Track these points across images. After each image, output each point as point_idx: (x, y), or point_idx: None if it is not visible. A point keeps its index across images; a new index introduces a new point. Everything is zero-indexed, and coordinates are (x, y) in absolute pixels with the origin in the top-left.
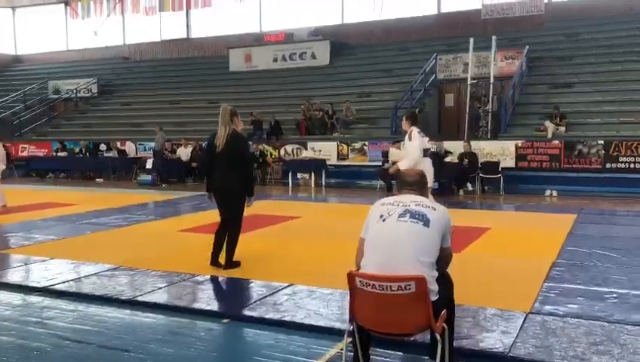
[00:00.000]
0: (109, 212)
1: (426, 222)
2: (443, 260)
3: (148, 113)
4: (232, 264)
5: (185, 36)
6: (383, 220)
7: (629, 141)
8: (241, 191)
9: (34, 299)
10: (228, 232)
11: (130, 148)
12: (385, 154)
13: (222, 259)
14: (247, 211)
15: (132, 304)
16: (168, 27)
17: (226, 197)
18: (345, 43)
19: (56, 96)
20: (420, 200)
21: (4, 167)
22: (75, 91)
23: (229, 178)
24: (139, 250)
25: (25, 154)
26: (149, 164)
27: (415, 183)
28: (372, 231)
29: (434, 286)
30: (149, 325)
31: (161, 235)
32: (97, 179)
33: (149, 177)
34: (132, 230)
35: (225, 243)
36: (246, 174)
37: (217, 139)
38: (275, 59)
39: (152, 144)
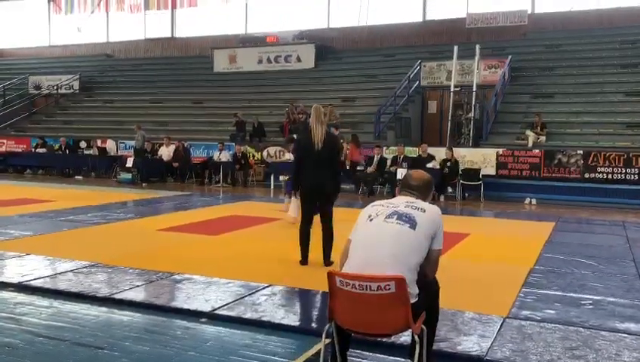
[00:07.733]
0: (88, 209)
1: (413, 225)
2: (431, 263)
3: (130, 111)
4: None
5: (169, 35)
6: (370, 220)
7: (607, 152)
8: (335, 189)
9: (7, 294)
10: (324, 230)
11: (110, 146)
12: (367, 160)
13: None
14: (227, 212)
15: (108, 301)
16: (153, 26)
17: (323, 195)
18: (330, 47)
19: (36, 92)
20: (412, 201)
21: None
22: (56, 87)
23: (326, 176)
24: (117, 248)
25: (3, 149)
26: (129, 163)
27: (417, 187)
28: (359, 232)
29: (413, 290)
30: (125, 323)
31: (140, 234)
32: (76, 177)
33: (129, 176)
34: (110, 228)
35: (323, 241)
36: (338, 173)
37: (314, 137)
38: (260, 61)
39: (133, 142)
